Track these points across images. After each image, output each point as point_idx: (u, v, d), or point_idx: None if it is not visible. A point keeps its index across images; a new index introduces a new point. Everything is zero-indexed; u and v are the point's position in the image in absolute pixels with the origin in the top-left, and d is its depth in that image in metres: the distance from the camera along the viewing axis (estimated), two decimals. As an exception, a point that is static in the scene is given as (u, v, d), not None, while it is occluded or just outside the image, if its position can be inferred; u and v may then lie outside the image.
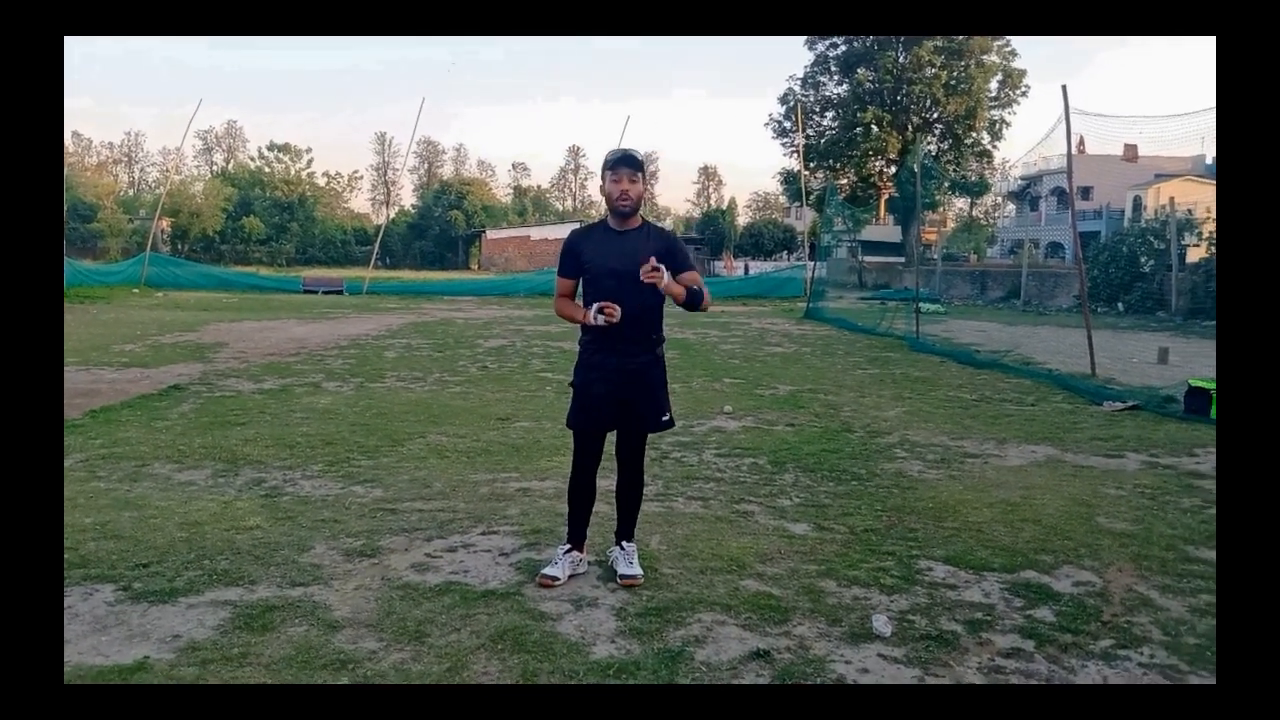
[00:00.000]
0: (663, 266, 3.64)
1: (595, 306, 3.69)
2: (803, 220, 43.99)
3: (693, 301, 3.84)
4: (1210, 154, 44.22)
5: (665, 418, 4.01)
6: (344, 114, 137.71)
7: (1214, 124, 11.87)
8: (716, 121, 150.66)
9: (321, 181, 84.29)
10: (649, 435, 4.08)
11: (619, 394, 3.86)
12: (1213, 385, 8.14)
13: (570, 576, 3.87)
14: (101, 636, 3.23)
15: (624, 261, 3.72)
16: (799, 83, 51.40)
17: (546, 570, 3.85)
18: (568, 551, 3.94)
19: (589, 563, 4.04)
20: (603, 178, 3.84)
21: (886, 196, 51.16)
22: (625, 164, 3.77)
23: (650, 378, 3.90)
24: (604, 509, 4.32)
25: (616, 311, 3.65)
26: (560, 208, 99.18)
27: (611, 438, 4.03)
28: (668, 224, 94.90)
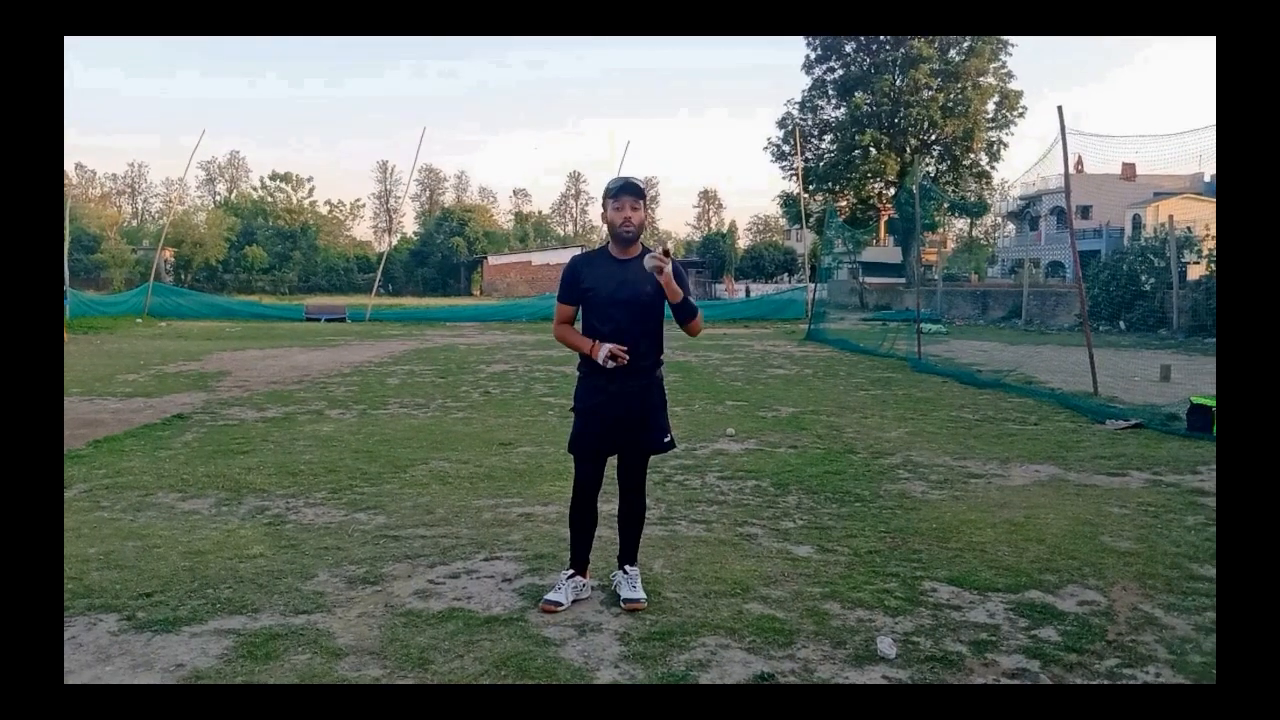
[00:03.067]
0: (667, 268, 3.66)
1: (606, 348, 3.70)
2: (803, 242, 44.17)
3: (687, 310, 3.82)
4: (1208, 172, 44.42)
5: (667, 439, 4.02)
6: (346, 143, 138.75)
7: (1211, 143, 11.95)
8: (716, 146, 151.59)
9: (324, 210, 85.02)
10: (651, 458, 4.10)
11: (620, 417, 3.87)
12: (1215, 402, 8.14)
13: (574, 601, 3.87)
14: (105, 666, 3.22)
15: (627, 289, 3.76)
16: (797, 106, 51.71)
17: (549, 596, 3.85)
18: (570, 577, 3.94)
19: (592, 587, 4.04)
20: (604, 205, 3.88)
21: (886, 218, 51.31)
22: (627, 192, 3.81)
23: (651, 400, 3.92)
24: (606, 533, 4.32)
25: (627, 358, 3.69)
26: (561, 233, 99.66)
27: (613, 462, 4.04)
28: (670, 246, 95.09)
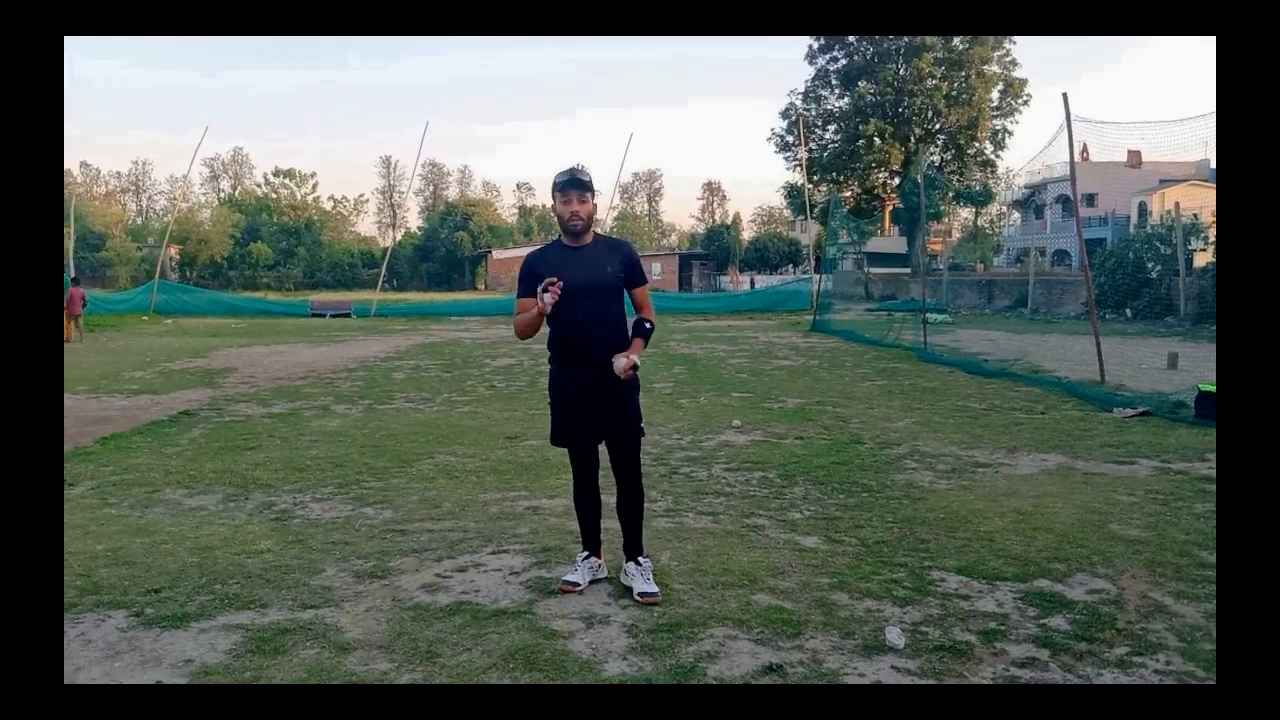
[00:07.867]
0: (636, 360, 3.80)
1: (540, 288, 3.70)
2: (808, 233, 44.04)
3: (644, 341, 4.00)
4: (1214, 159, 44.13)
5: (637, 426, 4.02)
6: (349, 138, 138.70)
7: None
8: (720, 137, 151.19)
9: (328, 206, 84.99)
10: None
11: (594, 405, 3.88)
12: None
13: (591, 582, 3.91)
14: (114, 663, 3.23)
15: (586, 274, 3.80)
16: (800, 97, 51.39)
17: (567, 576, 3.91)
18: (586, 558, 3.97)
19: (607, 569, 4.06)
20: (553, 198, 3.91)
21: (891, 208, 51.12)
22: (573, 186, 3.85)
23: (617, 386, 3.88)
24: (613, 525, 4.31)
25: (558, 283, 3.68)
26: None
27: (605, 455, 4.04)
28: (672, 240, 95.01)
